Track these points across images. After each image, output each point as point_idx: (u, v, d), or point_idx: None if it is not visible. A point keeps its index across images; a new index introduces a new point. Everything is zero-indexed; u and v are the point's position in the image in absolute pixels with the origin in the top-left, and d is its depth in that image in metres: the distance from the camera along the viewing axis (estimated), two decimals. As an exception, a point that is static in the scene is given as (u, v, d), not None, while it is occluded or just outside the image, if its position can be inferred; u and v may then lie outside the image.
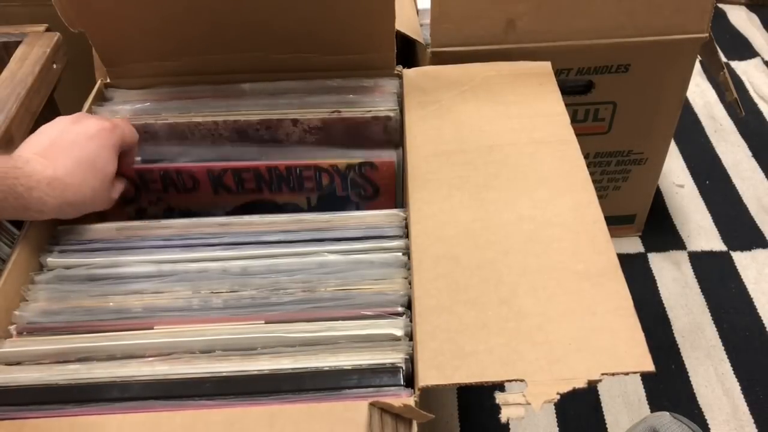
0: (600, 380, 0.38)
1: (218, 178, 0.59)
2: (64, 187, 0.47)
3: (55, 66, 0.66)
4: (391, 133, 0.59)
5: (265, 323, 0.46)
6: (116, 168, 0.52)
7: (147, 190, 0.60)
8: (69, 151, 0.48)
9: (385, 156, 0.58)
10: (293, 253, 0.50)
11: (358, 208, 0.61)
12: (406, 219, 0.52)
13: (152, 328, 0.46)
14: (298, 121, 0.59)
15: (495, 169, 0.53)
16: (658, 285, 0.89)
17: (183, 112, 0.60)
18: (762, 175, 1.06)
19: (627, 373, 0.39)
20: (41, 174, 0.46)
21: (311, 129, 0.59)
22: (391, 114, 0.58)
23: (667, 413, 0.67)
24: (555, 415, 0.76)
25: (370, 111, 0.59)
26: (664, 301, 0.88)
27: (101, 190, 0.50)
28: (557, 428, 0.75)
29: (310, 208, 0.61)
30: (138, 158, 0.59)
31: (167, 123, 0.59)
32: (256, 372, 0.42)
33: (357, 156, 0.58)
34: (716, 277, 0.90)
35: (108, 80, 0.63)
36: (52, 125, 0.50)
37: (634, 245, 0.95)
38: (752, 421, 0.75)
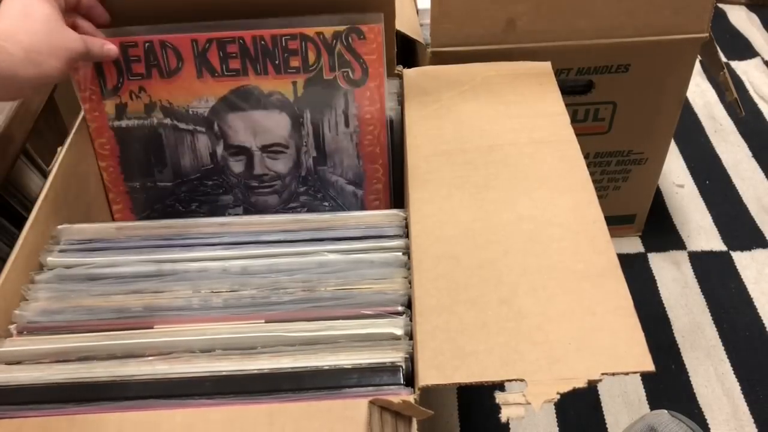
0: (600, 380, 0.38)
1: (203, 53, 0.57)
2: (26, 60, 0.44)
3: (55, 66, 0.66)
4: (391, 133, 0.59)
5: (265, 322, 0.46)
6: (63, 8, 0.49)
7: (130, 74, 0.58)
8: (36, 32, 0.46)
9: (371, 20, 0.56)
10: (293, 252, 0.50)
11: (346, 99, 0.59)
12: (406, 219, 0.52)
13: (152, 328, 0.46)
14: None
15: (495, 169, 0.53)
16: (658, 285, 0.89)
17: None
18: (762, 175, 1.06)
19: (627, 373, 0.39)
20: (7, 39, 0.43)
21: None
22: (391, 114, 0.58)
23: (666, 411, 0.66)
24: (555, 415, 0.76)
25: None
26: (664, 301, 0.88)
27: (54, 27, 0.47)
28: (557, 428, 0.75)
29: (297, 100, 0.59)
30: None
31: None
32: (256, 371, 0.42)
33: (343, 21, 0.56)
34: (716, 277, 0.90)
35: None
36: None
37: (634, 245, 0.95)
38: (752, 421, 0.75)
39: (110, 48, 0.55)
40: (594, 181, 0.56)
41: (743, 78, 1.25)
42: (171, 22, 0.57)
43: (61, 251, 0.51)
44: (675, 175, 1.06)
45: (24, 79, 0.45)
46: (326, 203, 0.63)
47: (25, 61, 0.45)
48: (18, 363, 0.45)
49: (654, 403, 0.77)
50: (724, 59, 1.26)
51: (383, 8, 0.57)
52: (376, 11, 0.57)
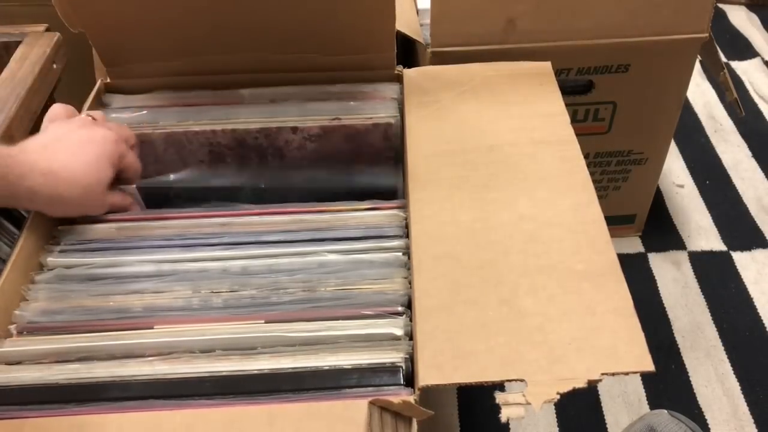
0: (600, 380, 0.38)
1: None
2: (57, 181, 0.47)
3: (55, 66, 0.66)
4: (391, 140, 0.59)
5: (265, 323, 0.46)
6: (113, 176, 0.52)
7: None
8: (68, 149, 0.49)
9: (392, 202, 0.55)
10: (293, 252, 0.50)
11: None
12: (406, 219, 0.52)
13: (152, 328, 0.46)
14: (297, 128, 0.59)
15: (495, 169, 0.53)
16: (658, 285, 0.90)
17: (180, 120, 0.60)
18: (762, 175, 1.06)
19: (627, 373, 0.39)
20: (35, 164, 0.46)
21: (311, 137, 0.59)
22: (392, 121, 0.58)
23: (665, 411, 0.67)
24: (555, 415, 0.76)
25: (371, 118, 0.59)
26: (664, 301, 0.88)
27: (94, 192, 0.51)
28: (557, 428, 0.75)
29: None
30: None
31: (164, 132, 0.59)
32: (256, 371, 0.42)
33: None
34: (716, 277, 0.90)
35: (108, 80, 0.63)
36: (60, 124, 0.52)
37: (634, 245, 0.95)
38: (752, 421, 0.75)
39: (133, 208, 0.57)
40: (594, 181, 0.56)
41: (743, 78, 1.25)
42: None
43: (61, 251, 0.51)
44: (675, 175, 1.07)
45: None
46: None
47: (47, 201, 0.48)
48: (18, 363, 0.45)
49: (654, 403, 0.77)
50: (724, 59, 1.26)
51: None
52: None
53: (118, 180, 0.55)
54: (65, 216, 0.52)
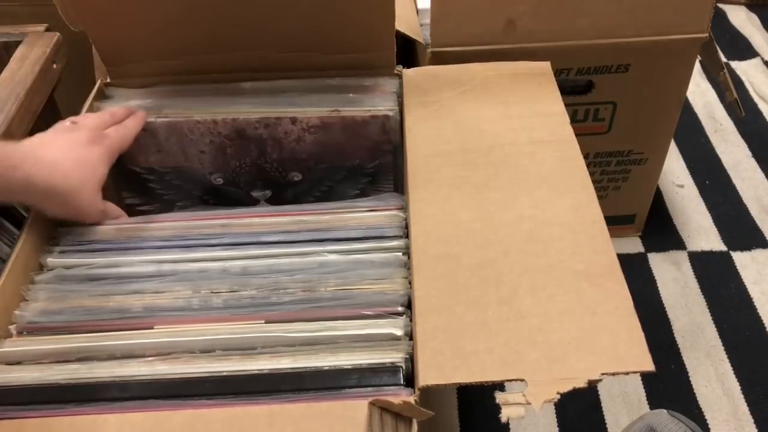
0: (600, 380, 0.38)
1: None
2: (51, 170, 0.48)
3: (55, 66, 0.66)
4: (389, 133, 0.59)
5: (265, 323, 0.46)
6: (106, 174, 0.53)
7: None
8: (60, 146, 0.50)
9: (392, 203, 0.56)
10: (293, 253, 0.50)
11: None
12: (406, 219, 0.52)
13: (152, 328, 0.46)
14: (296, 119, 0.59)
15: (495, 169, 0.53)
16: (658, 285, 0.89)
17: (184, 109, 0.60)
18: (762, 175, 1.06)
19: (627, 373, 0.39)
20: (28, 154, 0.47)
21: (310, 128, 0.59)
22: (390, 113, 0.58)
23: (665, 411, 0.67)
24: (555, 415, 0.76)
25: (369, 110, 0.59)
26: (664, 301, 0.88)
27: (89, 191, 0.51)
28: (557, 428, 0.75)
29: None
30: None
31: (166, 121, 0.59)
32: (256, 371, 0.42)
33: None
34: (716, 277, 0.90)
35: (108, 80, 0.63)
36: (47, 132, 0.53)
37: (634, 245, 0.95)
38: (752, 421, 0.75)
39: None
40: (594, 181, 0.56)
41: (743, 78, 1.25)
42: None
43: (61, 252, 0.51)
44: (675, 175, 1.06)
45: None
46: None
47: (42, 193, 0.48)
48: (18, 363, 0.45)
49: (654, 403, 0.77)
50: (724, 59, 1.26)
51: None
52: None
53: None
54: (62, 217, 0.52)
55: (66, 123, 0.54)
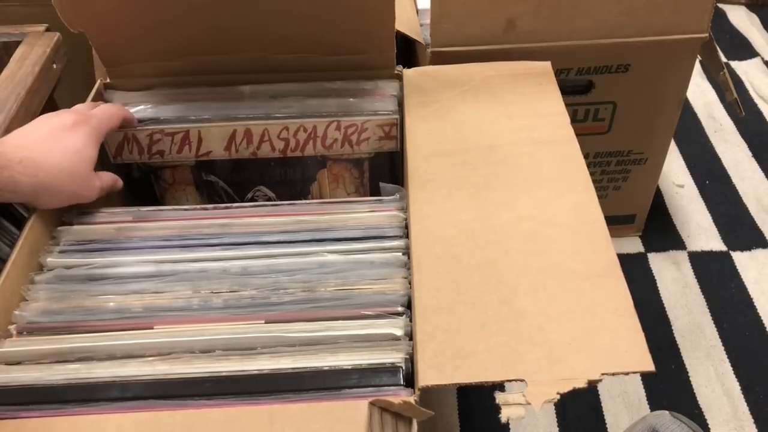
0: (600, 380, 0.38)
1: None
2: (36, 167, 0.48)
3: (55, 66, 0.66)
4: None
5: (265, 323, 0.46)
6: (96, 154, 0.52)
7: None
8: (44, 138, 0.50)
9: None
10: (293, 253, 0.50)
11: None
12: (406, 219, 0.52)
13: (152, 328, 0.46)
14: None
15: (495, 169, 0.53)
16: (658, 285, 0.89)
17: (181, 116, 0.60)
18: (762, 175, 1.06)
19: (627, 373, 0.39)
20: (13, 154, 0.47)
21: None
22: (390, 119, 0.58)
23: (667, 412, 0.67)
24: (555, 415, 0.76)
25: (369, 118, 0.59)
26: (664, 301, 0.88)
27: (80, 176, 0.51)
28: (557, 428, 0.75)
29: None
30: None
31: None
32: (255, 371, 0.42)
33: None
34: (716, 277, 0.90)
35: (108, 80, 0.63)
36: (31, 123, 0.52)
37: (634, 245, 0.95)
38: (752, 421, 0.75)
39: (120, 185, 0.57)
40: (594, 181, 0.56)
41: (743, 78, 1.25)
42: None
43: (61, 252, 0.51)
44: (675, 175, 1.06)
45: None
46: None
47: (30, 191, 0.48)
48: (18, 363, 0.45)
49: (654, 403, 0.77)
50: (724, 59, 1.26)
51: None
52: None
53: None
54: (59, 205, 0.52)
55: (48, 114, 0.54)
